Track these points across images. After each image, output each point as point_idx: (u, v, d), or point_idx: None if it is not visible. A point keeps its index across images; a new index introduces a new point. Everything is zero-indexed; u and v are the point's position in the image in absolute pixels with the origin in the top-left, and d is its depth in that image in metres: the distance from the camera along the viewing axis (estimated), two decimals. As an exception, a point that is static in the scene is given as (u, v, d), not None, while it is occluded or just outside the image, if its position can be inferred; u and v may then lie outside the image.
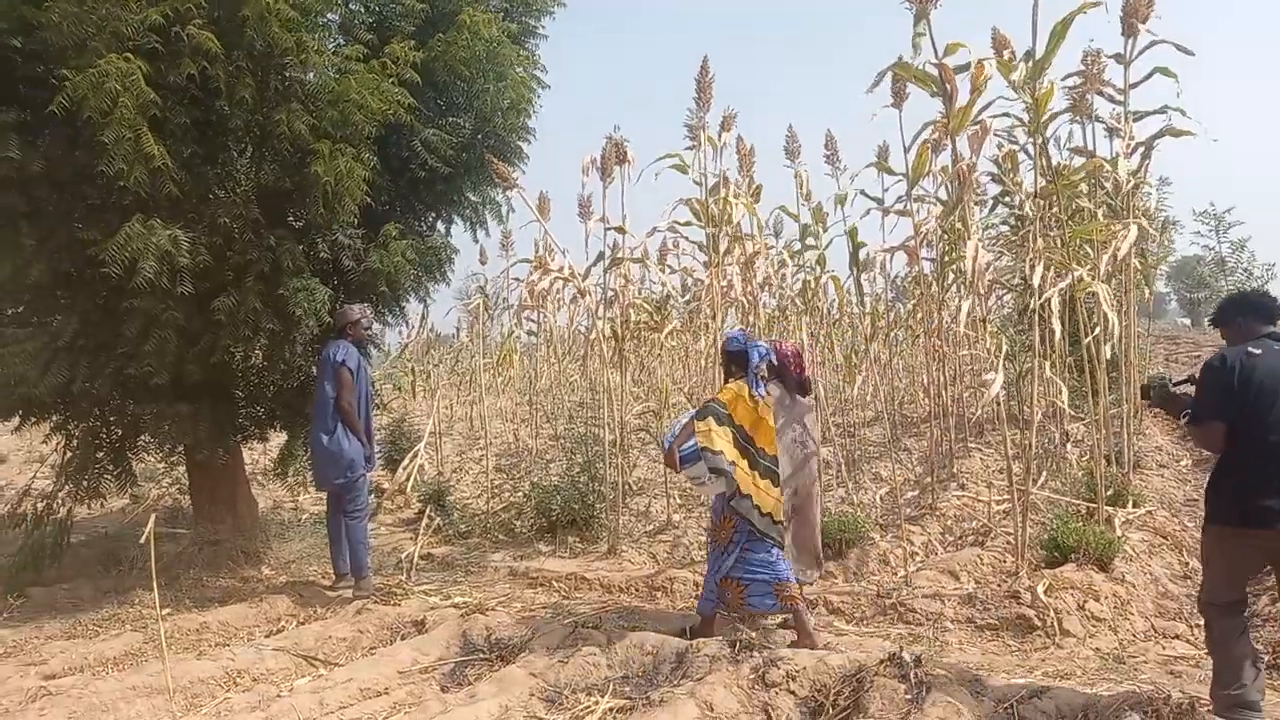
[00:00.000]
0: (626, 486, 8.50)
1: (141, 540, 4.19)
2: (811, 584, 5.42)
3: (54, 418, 6.73)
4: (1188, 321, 32.77)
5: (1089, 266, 7.14)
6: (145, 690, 4.56)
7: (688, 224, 7.11)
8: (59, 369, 5.72)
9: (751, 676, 4.08)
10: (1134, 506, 6.73)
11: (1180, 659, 4.39)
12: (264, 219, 5.83)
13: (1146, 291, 12.23)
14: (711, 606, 5.00)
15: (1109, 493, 6.86)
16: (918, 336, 13.84)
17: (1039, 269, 5.33)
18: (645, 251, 9.32)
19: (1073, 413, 7.05)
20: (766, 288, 9.30)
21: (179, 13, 4.90)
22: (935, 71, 5.26)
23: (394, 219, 6.55)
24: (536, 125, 7.82)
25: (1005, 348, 5.66)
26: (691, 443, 4.81)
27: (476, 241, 8.32)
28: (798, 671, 4.08)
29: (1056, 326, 5.72)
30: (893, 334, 13.49)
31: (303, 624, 5.62)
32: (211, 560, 6.92)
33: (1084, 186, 8.23)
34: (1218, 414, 3.60)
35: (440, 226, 8.06)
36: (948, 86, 5.24)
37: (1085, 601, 4.97)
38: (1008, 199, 9.32)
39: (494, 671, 4.64)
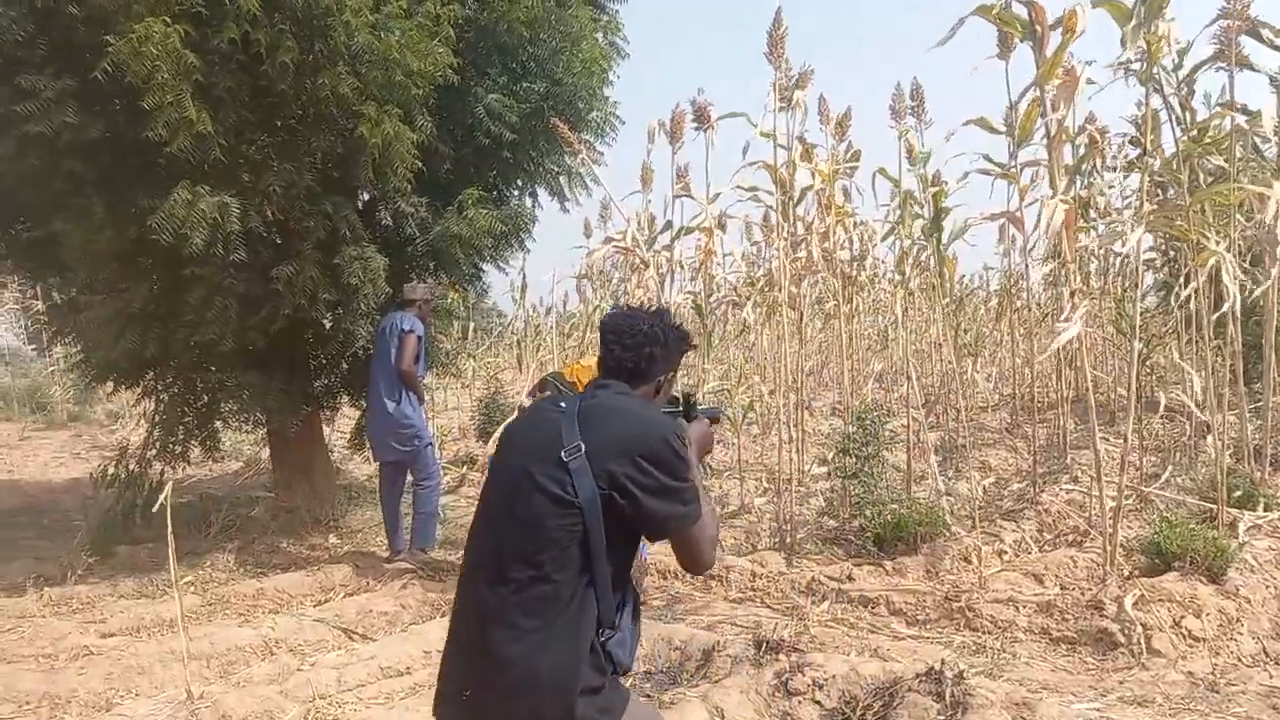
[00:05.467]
0: (707, 468, 8.17)
1: (154, 509, 4.21)
2: None
3: (142, 382, 6.97)
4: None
5: (1225, 236, 6.30)
6: (183, 655, 4.61)
7: (753, 189, 6.66)
8: (131, 335, 5.87)
9: (773, 682, 3.73)
10: (1265, 509, 5.90)
11: (1289, 692, 3.75)
12: (320, 186, 5.78)
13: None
14: None
15: (1237, 493, 6.07)
16: (1046, 315, 12.90)
17: (1137, 233, 4.65)
18: (721, 221, 8.85)
19: (1189, 401, 6.23)
20: (860, 260, 8.76)
21: (222, -27, 4.86)
22: (1024, 11, 4.65)
23: (462, 187, 6.41)
24: (625, 96, 7.60)
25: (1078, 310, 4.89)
26: None
27: (566, 211, 8.09)
28: (826, 680, 3.70)
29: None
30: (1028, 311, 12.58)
31: (350, 595, 5.60)
32: (285, 527, 7.04)
33: (1238, 149, 7.29)
34: None
35: (526, 199, 7.94)
36: (1037, 29, 4.62)
37: (1183, 617, 4.33)
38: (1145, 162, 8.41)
39: (518, 656, 4.44)
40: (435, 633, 4.80)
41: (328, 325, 6.30)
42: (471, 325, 18.35)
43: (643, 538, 2.04)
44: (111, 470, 6.99)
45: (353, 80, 5.36)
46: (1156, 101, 6.36)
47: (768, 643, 3.97)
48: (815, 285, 11.57)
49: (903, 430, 8.46)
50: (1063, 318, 4.81)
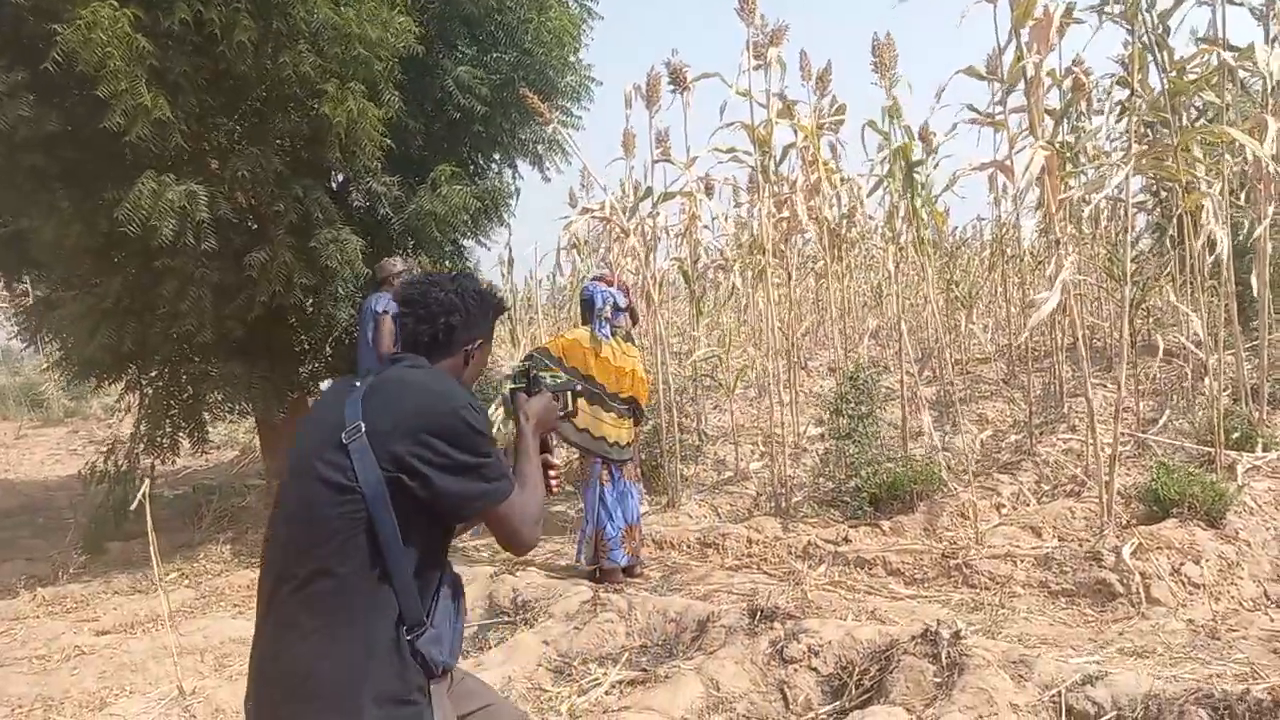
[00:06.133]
0: (702, 435, 8.11)
1: (132, 507, 4.15)
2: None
3: (125, 376, 6.88)
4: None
5: (1218, 176, 6.19)
6: (177, 649, 4.56)
7: (731, 150, 6.50)
8: (106, 330, 5.78)
9: (769, 651, 3.67)
10: (1264, 450, 5.84)
11: (1290, 635, 3.70)
12: (289, 169, 5.66)
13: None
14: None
15: (1235, 435, 6.01)
16: (1040, 263, 12.78)
17: (1122, 174, 4.54)
18: (708, 185, 8.71)
19: (1187, 343, 6.16)
20: (849, 216, 8.64)
21: (169, -46, 4.71)
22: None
23: (436, 162, 6.29)
24: (593, 61, 7.44)
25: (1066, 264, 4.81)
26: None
27: (547, 180, 7.96)
28: (822, 646, 3.64)
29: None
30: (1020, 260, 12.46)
31: (344, 581, 5.55)
32: (279, 514, 6.97)
33: (1228, 86, 7.14)
34: None
35: (505, 171, 7.84)
36: (1010, -32, 4.49)
37: (1182, 564, 4.28)
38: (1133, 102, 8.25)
39: (513, 635, 4.40)
40: (429, 616, 4.77)
41: (308, 310, 6.20)
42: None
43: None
44: (101, 466, 6.92)
45: (314, 58, 5.22)
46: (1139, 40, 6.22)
47: (762, 611, 3.91)
48: (806, 244, 11.45)
49: (898, 387, 8.40)
50: (1047, 273, 4.72)
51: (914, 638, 3.50)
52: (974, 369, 11.92)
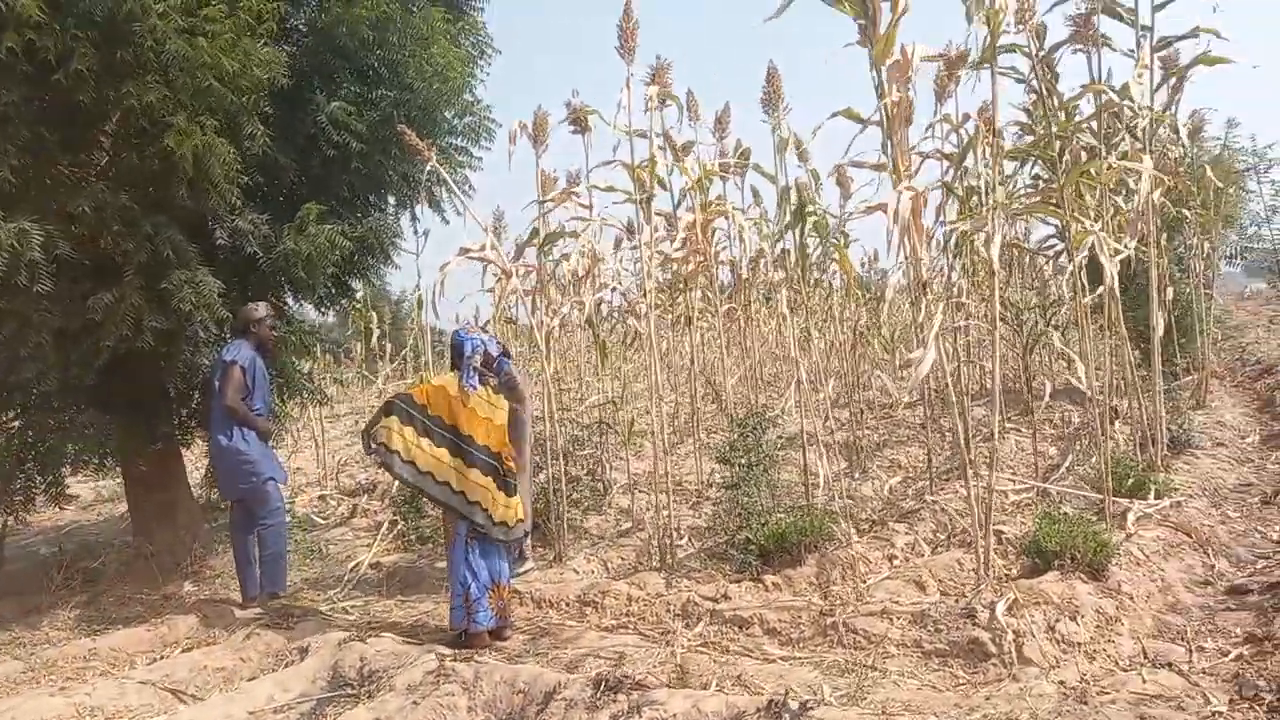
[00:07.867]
0: (605, 485, 7.81)
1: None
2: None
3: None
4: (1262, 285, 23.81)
5: (1098, 218, 6.17)
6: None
7: (610, 189, 6.29)
8: (-66, 378, 5.36)
9: (607, 727, 3.37)
10: (1156, 497, 5.72)
11: (1159, 697, 3.46)
12: (139, 206, 5.31)
13: (1208, 247, 10.86)
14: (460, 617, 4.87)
15: (1129, 481, 5.89)
16: (960, 307, 12.81)
17: (993, 226, 4.41)
18: (632, 227, 8.52)
19: (1079, 384, 6.08)
20: (755, 260, 8.51)
21: (0, -21, 4.40)
22: (857, -13, 4.39)
23: (313, 200, 5.99)
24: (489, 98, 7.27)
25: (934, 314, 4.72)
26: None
27: (447, 223, 7.68)
28: (666, 720, 3.35)
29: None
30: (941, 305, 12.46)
31: (187, 651, 5.11)
32: (141, 575, 6.50)
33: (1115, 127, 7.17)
34: None
35: (403, 211, 7.57)
36: (869, 6, 4.37)
37: (1058, 620, 4.07)
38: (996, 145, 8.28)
39: (351, 710, 4.03)
40: (266, 689, 4.38)
41: (164, 356, 5.81)
42: (389, 345, 17.80)
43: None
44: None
45: (162, 89, 4.93)
46: (1017, 84, 6.24)
47: (606, 681, 3.62)
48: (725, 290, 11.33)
49: (809, 434, 8.20)
50: (919, 321, 4.59)
51: (759, 710, 3.23)
52: (894, 414, 11.82)
